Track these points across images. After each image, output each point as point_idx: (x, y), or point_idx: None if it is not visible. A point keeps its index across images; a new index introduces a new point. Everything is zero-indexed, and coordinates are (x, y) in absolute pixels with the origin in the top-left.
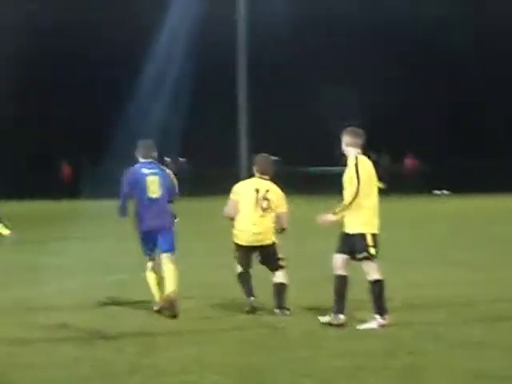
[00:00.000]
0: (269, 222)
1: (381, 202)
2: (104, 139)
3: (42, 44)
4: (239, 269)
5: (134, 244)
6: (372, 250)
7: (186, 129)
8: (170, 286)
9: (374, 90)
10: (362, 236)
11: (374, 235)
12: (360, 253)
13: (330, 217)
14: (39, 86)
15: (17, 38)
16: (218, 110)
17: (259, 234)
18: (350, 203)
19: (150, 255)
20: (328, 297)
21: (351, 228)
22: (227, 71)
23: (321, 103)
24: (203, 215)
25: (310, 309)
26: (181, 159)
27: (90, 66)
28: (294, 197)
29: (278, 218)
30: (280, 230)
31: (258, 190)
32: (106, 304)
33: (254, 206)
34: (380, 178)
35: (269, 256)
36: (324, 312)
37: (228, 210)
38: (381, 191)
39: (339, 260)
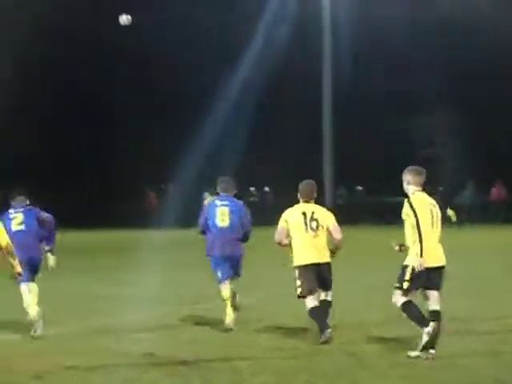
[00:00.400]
0: (323, 241)
1: (466, 233)
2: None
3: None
4: (310, 303)
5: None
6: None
7: (270, 157)
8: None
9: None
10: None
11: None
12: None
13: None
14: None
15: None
16: (302, 138)
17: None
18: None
19: (220, 280)
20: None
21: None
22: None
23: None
24: None
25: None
26: (266, 189)
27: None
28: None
29: (330, 234)
30: (335, 249)
31: (305, 214)
32: (184, 332)
33: (304, 228)
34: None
35: (326, 275)
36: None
37: (278, 236)
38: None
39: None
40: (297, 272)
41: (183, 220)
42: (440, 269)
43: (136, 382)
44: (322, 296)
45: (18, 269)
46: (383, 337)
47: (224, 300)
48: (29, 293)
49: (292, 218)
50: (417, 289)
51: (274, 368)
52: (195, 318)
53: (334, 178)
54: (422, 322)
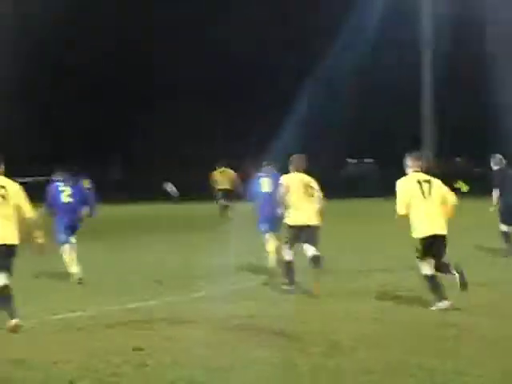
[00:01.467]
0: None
1: None
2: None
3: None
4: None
5: None
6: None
7: (376, 130)
8: None
9: None
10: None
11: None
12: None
13: None
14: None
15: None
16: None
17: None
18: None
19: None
20: None
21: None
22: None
23: None
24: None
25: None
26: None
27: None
28: None
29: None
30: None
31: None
32: (287, 304)
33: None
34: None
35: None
36: None
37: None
38: None
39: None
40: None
41: None
42: (439, 237)
43: (234, 354)
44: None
45: (42, 240)
46: None
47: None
48: (69, 252)
49: (291, 183)
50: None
51: (373, 341)
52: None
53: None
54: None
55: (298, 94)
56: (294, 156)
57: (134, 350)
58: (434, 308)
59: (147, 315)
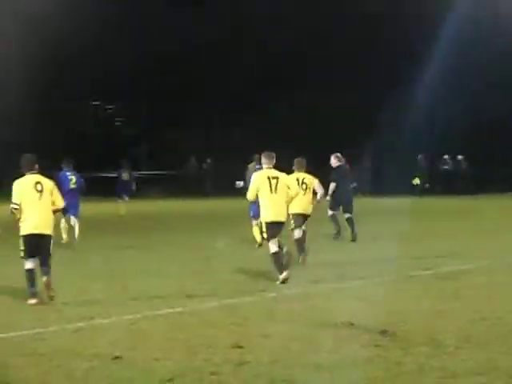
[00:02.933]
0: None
1: None
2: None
3: None
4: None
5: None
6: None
7: (466, 127)
8: None
9: None
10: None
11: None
12: None
13: None
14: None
15: None
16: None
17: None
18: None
19: None
20: None
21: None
22: None
23: None
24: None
25: None
26: (459, 157)
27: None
28: None
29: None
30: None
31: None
32: (389, 302)
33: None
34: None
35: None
36: None
37: None
38: None
39: None
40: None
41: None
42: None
43: (335, 353)
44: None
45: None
46: None
47: None
48: (69, 223)
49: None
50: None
51: (477, 341)
52: (401, 289)
53: None
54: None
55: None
56: (296, 159)
57: (233, 347)
58: (277, 282)
59: (246, 312)
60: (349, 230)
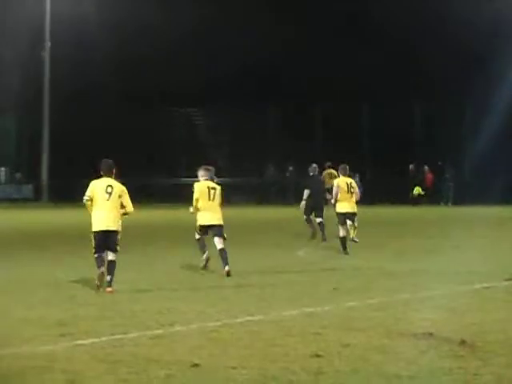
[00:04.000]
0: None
1: None
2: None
3: None
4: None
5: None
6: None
7: None
8: None
9: None
10: None
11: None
12: None
13: None
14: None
15: None
16: None
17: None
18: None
19: None
20: None
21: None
22: None
23: None
24: None
25: None
26: None
27: None
28: None
29: None
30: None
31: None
32: (469, 312)
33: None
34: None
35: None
36: None
37: None
38: None
39: None
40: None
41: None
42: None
43: (414, 363)
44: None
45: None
46: None
47: None
48: None
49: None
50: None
51: None
52: (481, 299)
53: None
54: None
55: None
56: (341, 166)
57: (311, 356)
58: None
59: (324, 321)
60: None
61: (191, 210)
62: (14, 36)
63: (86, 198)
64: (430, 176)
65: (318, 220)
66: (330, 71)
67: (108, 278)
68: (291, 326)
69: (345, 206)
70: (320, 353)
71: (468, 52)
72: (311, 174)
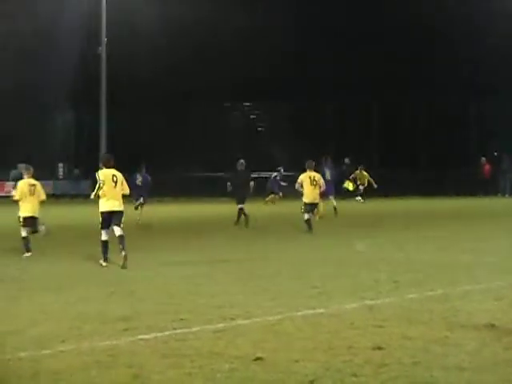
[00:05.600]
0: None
1: None
2: None
3: None
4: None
5: None
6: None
7: None
8: None
9: None
10: None
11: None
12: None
13: None
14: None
15: None
16: None
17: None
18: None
19: None
20: None
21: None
22: None
23: None
24: None
25: None
26: None
27: None
28: None
29: None
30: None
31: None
32: None
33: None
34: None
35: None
36: None
37: None
38: None
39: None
40: None
41: None
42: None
43: (477, 355)
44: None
45: None
46: None
47: None
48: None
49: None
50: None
51: None
52: None
53: None
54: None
55: None
56: (308, 161)
57: (373, 349)
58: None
59: (386, 313)
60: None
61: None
62: (70, 33)
63: (101, 182)
64: (487, 167)
65: (239, 206)
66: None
67: (120, 246)
68: (353, 319)
69: (309, 196)
70: (382, 345)
71: None
72: (238, 168)
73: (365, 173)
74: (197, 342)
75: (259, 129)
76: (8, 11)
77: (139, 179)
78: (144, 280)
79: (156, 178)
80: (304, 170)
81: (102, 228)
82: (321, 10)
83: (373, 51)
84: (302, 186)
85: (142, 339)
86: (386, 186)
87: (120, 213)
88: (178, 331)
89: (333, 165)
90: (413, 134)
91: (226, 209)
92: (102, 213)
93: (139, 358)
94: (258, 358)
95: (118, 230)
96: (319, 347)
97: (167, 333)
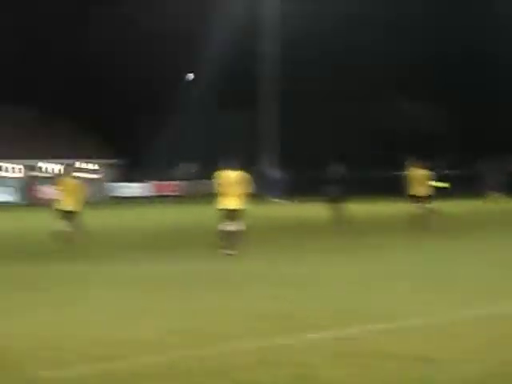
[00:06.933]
0: None
1: None
2: None
3: None
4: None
5: None
6: None
7: None
8: None
9: None
10: None
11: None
12: None
13: None
14: None
15: None
16: None
17: None
18: None
19: None
20: None
21: None
22: None
23: None
24: None
25: None
26: None
27: None
28: None
29: None
30: None
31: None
32: None
33: None
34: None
35: None
36: None
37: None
38: None
39: None
40: None
41: None
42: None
43: None
44: None
45: None
46: None
47: None
48: None
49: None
50: None
51: None
52: None
53: None
54: None
55: None
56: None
57: None
58: None
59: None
60: None
61: None
62: (235, 34)
63: (218, 183)
64: None
65: None
66: None
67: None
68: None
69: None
70: (432, 357)
71: None
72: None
73: None
74: (364, 342)
75: None
76: None
77: None
78: (312, 278)
79: None
80: None
81: None
82: None
83: None
84: None
85: (309, 338)
86: None
87: None
88: (346, 331)
89: None
90: None
91: None
92: None
93: (306, 357)
94: (427, 359)
95: None
96: (493, 348)
97: (333, 332)
